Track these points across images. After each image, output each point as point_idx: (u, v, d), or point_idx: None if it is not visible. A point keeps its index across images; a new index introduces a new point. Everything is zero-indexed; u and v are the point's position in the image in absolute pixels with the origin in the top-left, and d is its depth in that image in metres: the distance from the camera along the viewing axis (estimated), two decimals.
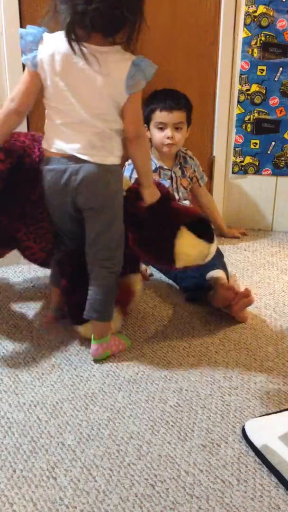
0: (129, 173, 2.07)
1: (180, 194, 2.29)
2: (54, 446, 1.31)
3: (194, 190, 2.41)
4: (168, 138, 2.17)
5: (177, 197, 2.26)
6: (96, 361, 1.64)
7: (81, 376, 1.58)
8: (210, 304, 1.94)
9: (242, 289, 1.90)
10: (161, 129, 2.18)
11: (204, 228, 1.65)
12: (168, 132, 2.17)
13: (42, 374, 1.58)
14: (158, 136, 2.19)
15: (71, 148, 1.51)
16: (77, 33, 1.41)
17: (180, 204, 1.87)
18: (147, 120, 2.20)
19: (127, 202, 1.64)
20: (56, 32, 1.46)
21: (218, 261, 2.07)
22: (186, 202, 2.32)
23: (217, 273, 1.98)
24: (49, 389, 1.52)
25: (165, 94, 2.22)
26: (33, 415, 1.42)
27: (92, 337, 1.63)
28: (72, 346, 1.72)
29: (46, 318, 1.81)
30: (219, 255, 2.12)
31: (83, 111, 1.48)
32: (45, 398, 1.48)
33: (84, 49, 1.42)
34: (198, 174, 2.39)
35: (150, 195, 1.64)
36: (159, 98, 2.20)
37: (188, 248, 1.62)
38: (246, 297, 1.86)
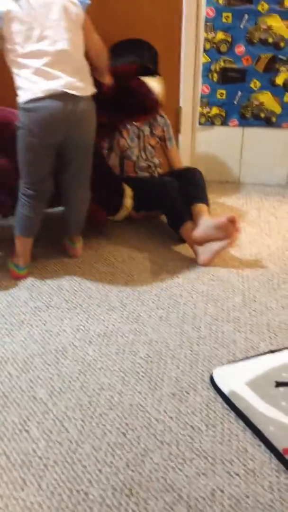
0: None
1: (147, 152, 2.25)
2: (26, 400, 1.33)
3: (165, 153, 2.36)
4: None
5: (143, 155, 2.23)
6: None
7: (51, 331, 1.58)
8: (181, 238, 2.02)
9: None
10: None
11: (146, 69, 1.99)
12: None
13: (11, 330, 1.58)
14: None
15: (59, 84, 1.60)
16: None
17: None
18: None
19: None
20: None
21: (203, 193, 2.09)
22: (155, 161, 2.28)
23: (202, 207, 2.04)
24: (19, 345, 1.52)
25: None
26: (4, 371, 1.42)
27: (73, 242, 1.98)
28: (41, 301, 1.72)
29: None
30: (203, 187, 2.14)
31: (60, 39, 1.60)
32: (16, 354, 1.49)
33: None
34: (167, 134, 2.33)
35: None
36: (130, 50, 2.17)
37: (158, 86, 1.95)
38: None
